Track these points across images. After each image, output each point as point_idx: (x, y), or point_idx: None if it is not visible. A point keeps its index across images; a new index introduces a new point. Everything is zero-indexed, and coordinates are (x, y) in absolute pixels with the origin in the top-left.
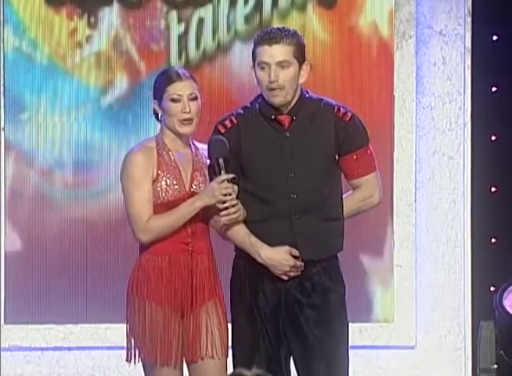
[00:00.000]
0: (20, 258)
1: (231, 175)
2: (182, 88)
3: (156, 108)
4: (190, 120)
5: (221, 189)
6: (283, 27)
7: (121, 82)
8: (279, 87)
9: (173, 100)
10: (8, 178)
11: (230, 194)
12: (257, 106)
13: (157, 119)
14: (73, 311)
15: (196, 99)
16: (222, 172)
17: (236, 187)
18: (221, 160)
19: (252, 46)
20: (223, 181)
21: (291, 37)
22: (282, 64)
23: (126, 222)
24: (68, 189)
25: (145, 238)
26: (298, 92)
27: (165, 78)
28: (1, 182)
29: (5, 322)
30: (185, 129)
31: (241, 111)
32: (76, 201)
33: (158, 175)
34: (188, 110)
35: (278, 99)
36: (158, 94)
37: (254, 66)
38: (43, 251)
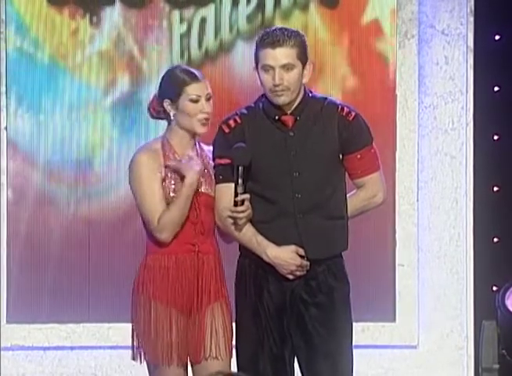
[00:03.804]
0: (22, 257)
1: (247, 196)
2: (200, 89)
3: (168, 108)
4: (208, 119)
5: (236, 211)
6: (286, 29)
7: (123, 82)
8: (283, 89)
9: (192, 101)
10: (10, 177)
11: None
12: (261, 106)
13: (160, 118)
14: (76, 310)
15: (210, 98)
16: (240, 181)
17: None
18: (240, 168)
19: (254, 46)
20: (236, 203)
21: (294, 39)
22: (286, 67)
23: (128, 221)
24: (70, 188)
25: (163, 236)
26: (302, 92)
27: (182, 78)
28: (2, 181)
29: (8, 321)
30: (203, 129)
31: (245, 111)
32: (78, 200)
33: (165, 176)
34: (206, 109)
35: (282, 98)
36: (173, 93)
37: (256, 67)
38: (45, 250)
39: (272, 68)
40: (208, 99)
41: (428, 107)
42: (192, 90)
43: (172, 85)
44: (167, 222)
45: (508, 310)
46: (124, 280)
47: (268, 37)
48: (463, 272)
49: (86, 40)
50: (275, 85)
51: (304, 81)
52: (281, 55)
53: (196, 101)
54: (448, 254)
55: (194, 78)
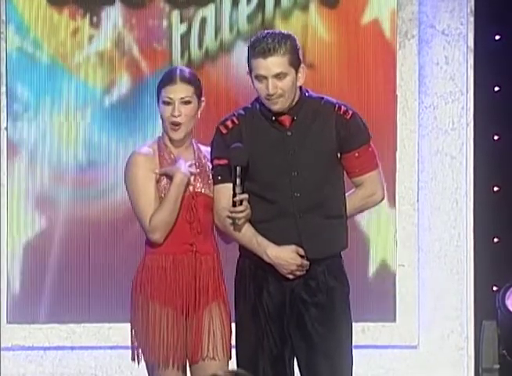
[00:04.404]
0: (23, 257)
1: (245, 196)
2: (174, 92)
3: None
4: (179, 124)
5: (235, 212)
6: (276, 34)
7: (124, 82)
8: (278, 96)
9: (165, 103)
10: (10, 177)
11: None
12: (258, 106)
13: None
14: (76, 310)
15: (188, 103)
16: (237, 181)
17: (248, 210)
18: (238, 169)
19: (246, 51)
20: (235, 203)
21: (285, 45)
22: (279, 76)
23: (128, 221)
24: (70, 188)
25: (155, 237)
26: (298, 93)
27: (163, 79)
28: (2, 181)
29: (8, 321)
30: (173, 134)
31: (242, 112)
32: (78, 201)
33: (160, 177)
34: (177, 113)
35: (277, 105)
36: (156, 95)
37: (250, 73)
38: (45, 250)
39: (265, 78)
40: (185, 103)
41: (428, 107)
42: (166, 92)
43: (157, 86)
44: (157, 223)
45: (508, 310)
46: (124, 280)
47: (259, 46)
48: (463, 272)
49: (86, 40)
50: (270, 94)
51: (299, 84)
52: (273, 64)
53: (167, 103)
54: (449, 254)
55: (172, 80)
